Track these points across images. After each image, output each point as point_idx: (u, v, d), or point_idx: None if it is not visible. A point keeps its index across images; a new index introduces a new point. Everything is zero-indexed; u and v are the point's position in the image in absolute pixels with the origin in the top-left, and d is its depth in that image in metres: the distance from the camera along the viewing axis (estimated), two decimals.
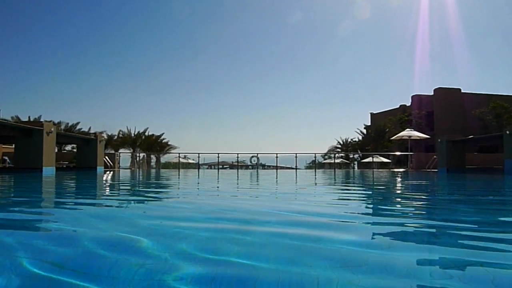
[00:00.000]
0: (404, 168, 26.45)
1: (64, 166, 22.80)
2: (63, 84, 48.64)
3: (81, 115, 65.22)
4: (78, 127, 30.96)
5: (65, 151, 29.29)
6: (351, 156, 35.43)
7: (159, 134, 33.99)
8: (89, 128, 30.31)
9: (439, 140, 22.35)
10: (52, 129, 17.83)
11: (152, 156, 30.81)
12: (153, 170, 25.49)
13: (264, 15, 51.88)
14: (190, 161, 30.56)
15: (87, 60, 48.79)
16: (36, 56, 45.73)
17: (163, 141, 34.19)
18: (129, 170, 25.22)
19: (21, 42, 44.02)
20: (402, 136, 25.78)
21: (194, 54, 53.33)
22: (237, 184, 10.78)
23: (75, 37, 46.31)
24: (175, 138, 57.11)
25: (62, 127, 30.16)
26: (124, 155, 31.13)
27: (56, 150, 30.03)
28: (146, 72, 53.44)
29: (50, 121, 29.11)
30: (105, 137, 32.71)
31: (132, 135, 33.19)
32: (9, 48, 42.41)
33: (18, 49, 44.09)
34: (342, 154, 34.71)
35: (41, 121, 17.64)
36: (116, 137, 33.13)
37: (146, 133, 33.54)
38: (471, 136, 22.88)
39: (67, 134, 22.82)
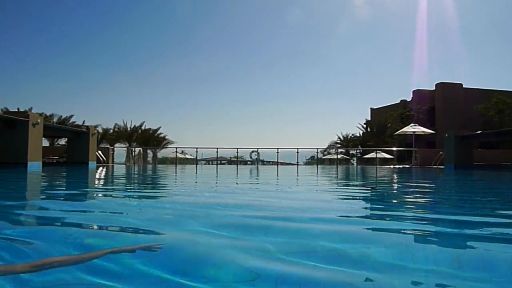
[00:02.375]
0: (408, 165, 24.97)
1: (54, 161, 20.95)
2: (59, 78, 46.51)
3: (77, 109, 63.03)
4: (71, 120, 29.02)
5: (58, 145, 27.35)
6: (351, 151, 33.95)
7: (155, 128, 32.15)
8: (83, 122, 28.40)
9: (446, 135, 20.82)
10: (39, 121, 15.99)
11: (148, 151, 29.01)
12: (149, 166, 23.74)
13: (264, 9, 50.06)
14: (188, 156, 28.85)
15: (83, 54, 46.71)
16: (32, 49, 43.56)
17: (160, 135, 32.36)
18: (123, 165, 23.45)
19: (17, 36, 41.82)
20: (407, 131, 24.29)
21: (193, 48, 51.45)
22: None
23: (72, 31, 44.25)
24: (173, 133, 55.28)
25: (55, 119, 28.22)
26: (120, 150, 29.34)
27: (48, 144, 28.26)
28: (145, 66, 51.43)
29: (42, 114, 27.21)
30: (100, 130, 30.87)
31: (128, 129, 31.30)
32: (6, 41, 40.24)
33: (14, 43, 41.89)
34: (343, 150, 33.17)
35: (26, 112, 15.73)
36: (111, 131, 31.23)
37: (143, 127, 31.67)
38: (479, 132, 21.43)
39: (55, 126, 20.94)
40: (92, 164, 19.48)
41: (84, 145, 19.39)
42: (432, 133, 25.57)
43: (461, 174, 14.02)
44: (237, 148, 22.59)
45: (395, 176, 13.10)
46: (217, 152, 22.43)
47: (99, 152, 21.01)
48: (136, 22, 48.38)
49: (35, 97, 48.18)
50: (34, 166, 15.45)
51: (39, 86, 44.05)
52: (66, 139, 21.71)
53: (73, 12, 43.10)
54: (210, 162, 30.46)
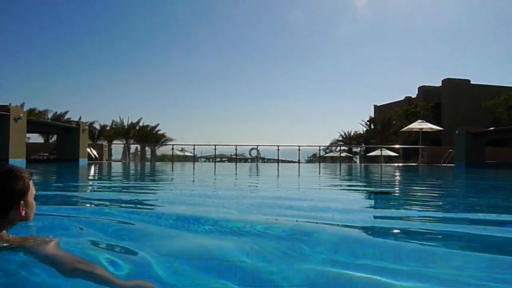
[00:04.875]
0: (414, 163, 23.37)
1: (45, 158, 19.56)
2: (57, 75, 45.22)
3: (76, 106, 61.49)
4: (66, 116, 27.58)
5: (54, 142, 25.98)
6: (354, 149, 32.35)
7: (154, 125, 30.68)
8: (79, 118, 26.90)
9: (456, 132, 19.21)
10: (21, 115, 14.60)
11: (147, 148, 27.58)
12: (144, 163, 22.31)
13: (266, 7, 48.52)
14: (187, 153, 27.42)
15: (82, 52, 45.41)
16: (30, 47, 42.31)
17: (159, 132, 30.90)
18: (118, 163, 22.04)
19: (17, 34, 40.61)
20: (413, 128, 22.69)
21: (194, 46, 50.01)
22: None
23: (72, 29, 43.00)
24: (174, 131, 53.94)
25: (50, 115, 26.84)
26: (117, 147, 27.98)
27: (42, 140, 26.91)
28: (145, 63, 50.09)
29: (35, 109, 25.86)
30: (98, 127, 29.50)
31: (125, 125, 29.84)
32: (6, 39, 39.06)
33: (13, 41, 40.68)
34: (345, 148, 31.58)
35: (7, 105, 14.32)
36: (109, 127, 29.83)
37: (140, 124, 30.20)
38: (492, 128, 19.80)
39: (41, 121, 19.50)
40: (83, 161, 18.07)
41: (74, 141, 17.98)
42: (439, 130, 23.95)
43: (478, 173, 12.44)
44: (236, 146, 21.05)
45: (410, 175, 11.58)
46: (215, 149, 20.98)
47: (91, 149, 19.59)
48: (136, 21, 47.04)
49: (33, 95, 46.93)
50: (17, 163, 14.03)
51: (37, 84, 42.81)
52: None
53: (73, 11, 41.84)
54: (211, 159, 28.99)
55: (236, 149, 21.24)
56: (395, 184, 7.74)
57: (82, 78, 45.53)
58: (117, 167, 15.52)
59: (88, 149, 19.02)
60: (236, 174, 11.22)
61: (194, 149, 21.70)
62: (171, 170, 13.07)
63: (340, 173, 12.30)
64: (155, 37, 49.52)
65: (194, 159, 22.92)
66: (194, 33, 47.69)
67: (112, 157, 24.90)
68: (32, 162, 16.17)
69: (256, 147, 22.02)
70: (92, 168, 14.24)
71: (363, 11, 42.17)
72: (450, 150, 20.60)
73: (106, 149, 22.00)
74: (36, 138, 27.06)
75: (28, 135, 27.82)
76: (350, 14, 45.44)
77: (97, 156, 19.80)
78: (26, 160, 16.27)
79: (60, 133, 18.29)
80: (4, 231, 1.37)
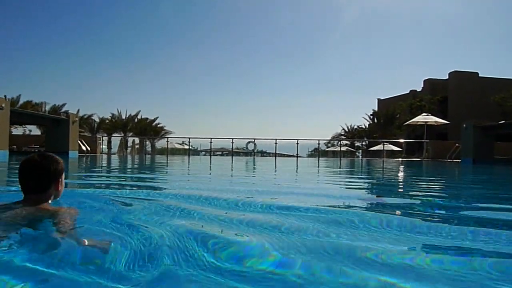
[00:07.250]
0: (418, 158, 22.00)
1: (36, 150, 18.73)
2: (57, 70, 44.56)
3: (78, 100, 60.84)
4: (64, 108, 26.77)
5: None
6: (357, 144, 30.99)
7: (153, 118, 29.72)
8: (78, 111, 26.11)
9: (464, 125, 17.78)
10: (3, 105, 13.73)
11: (147, 141, 26.68)
12: (137, 156, 21.36)
13: (267, 3, 47.03)
14: (186, 147, 26.52)
15: (82, 46, 44.62)
16: (31, 41, 41.67)
17: (158, 125, 29.94)
18: (111, 155, 21.14)
19: (21, 29, 39.98)
20: (418, 121, 21.28)
21: (196, 42, 48.89)
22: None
23: (71, 24, 42.21)
24: (174, 125, 53.08)
25: (47, 108, 26.07)
26: (117, 140, 27.20)
27: (39, 133, 26.18)
28: (145, 58, 49.13)
29: (31, 101, 25.07)
30: (97, 120, 28.69)
31: (123, 118, 28.94)
32: (8, 35, 38.49)
33: (17, 36, 40.11)
34: (347, 142, 30.24)
35: None
36: (108, 120, 28.98)
37: (139, 116, 29.27)
38: (503, 122, 18.32)
39: (26, 112, 18.64)
40: (73, 153, 17.17)
41: (63, 133, 17.11)
42: (445, 124, 22.49)
43: (487, 170, 11.13)
44: (232, 139, 19.95)
45: (408, 172, 10.35)
46: (210, 142, 19.89)
47: (82, 140, 18.70)
48: (136, 16, 46.05)
49: (33, 89, 46.36)
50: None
51: (37, 78, 42.23)
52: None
53: (74, 6, 41.05)
54: (213, 153, 27.96)
55: (232, 142, 20.15)
56: (386, 182, 6.55)
57: (82, 72, 44.85)
58: (105, 160, 14.56)
59: (79, 142, 18.15)
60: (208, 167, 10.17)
61: (189, 142, 20.71)
62: (157, 164, 12.05)
63: (325, 167, 11.14)
64: (155, 32, 48.52)
65: (189, 152, 21.94)
66: (195, 29, 46.53)
67: (112, 150, 24.15)
68: (17, 154, 15.30)
69: (253, 140, 20.90)
70: (79, 161, 13.30)
71: (368, 3, 40.44)
72: (457, 144, 19.19)
73: (100, 141, 21.12)
74: (36, 131, 26.40)
75: (29, 127, 27.25)
76: (353, 6, 43.71)
77: (88, 148, 18.91)
78: (12, 152, 15.47)
79: (49, 124, 17.43)
80: (48, 203, 1.69)
